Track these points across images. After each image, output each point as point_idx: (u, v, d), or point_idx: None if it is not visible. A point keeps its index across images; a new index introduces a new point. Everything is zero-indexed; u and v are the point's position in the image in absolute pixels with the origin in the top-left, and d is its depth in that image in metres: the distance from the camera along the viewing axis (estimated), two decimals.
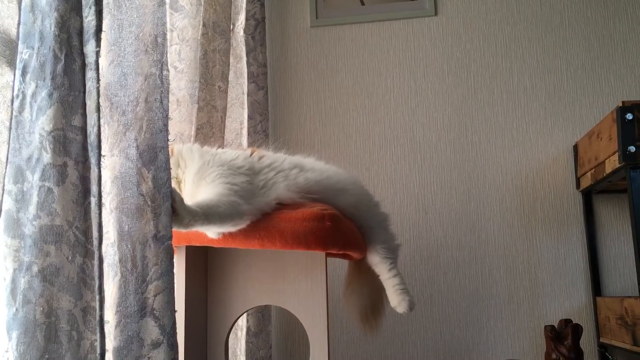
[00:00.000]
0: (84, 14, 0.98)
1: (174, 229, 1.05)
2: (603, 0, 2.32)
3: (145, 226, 0.99)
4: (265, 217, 1.25)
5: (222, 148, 1.54)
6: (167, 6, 1.65)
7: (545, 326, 1.96)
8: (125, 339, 0.94)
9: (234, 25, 2.14)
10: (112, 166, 0.99)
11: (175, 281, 1.06)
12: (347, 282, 1.64)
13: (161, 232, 1.00)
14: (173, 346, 0.97)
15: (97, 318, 0.91)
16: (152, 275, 0.98)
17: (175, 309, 1.00)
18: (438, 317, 2.22)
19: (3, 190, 0.92)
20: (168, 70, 1.05)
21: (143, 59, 1.02)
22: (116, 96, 1.00)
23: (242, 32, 2.17)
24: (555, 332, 1.93)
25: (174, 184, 1.14)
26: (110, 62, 1.01)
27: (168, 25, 1.59)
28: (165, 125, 1.04)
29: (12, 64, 1.07)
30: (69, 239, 0.92)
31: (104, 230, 0.97)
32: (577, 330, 1.90)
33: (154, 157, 1.01)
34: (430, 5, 2.41)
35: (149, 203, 1.00)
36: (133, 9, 1.03)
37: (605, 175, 1.86)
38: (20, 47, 0.96)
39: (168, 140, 1.04)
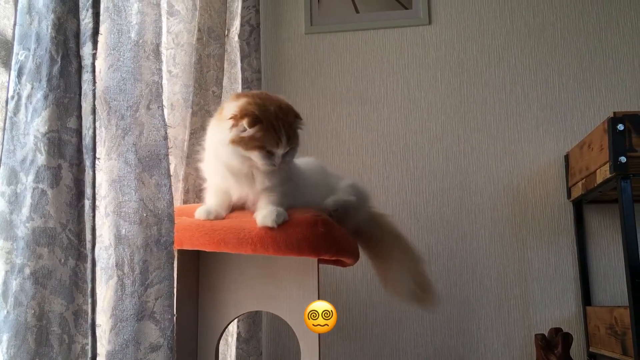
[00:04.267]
0: (81, 17, 0.98)
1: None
2: (595, 12, 2.35)
3: (145, 230, 0.98)
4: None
5: None
6: (164, 11, 1.65)
7: (536, 335, 1.97)
8: (120, 342, 0.94)
9: (228, 30, 2.14)
10: (110, 170, 0.99)
11: None
12: (382, 277, 1.63)
13: (164, 237, 1.00)
14: (172, 349, 0.96)
15: (89, 321, 0.91)
16: (153, 279, 0.97)
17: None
18: (429, 325, 2.22)
19: None
20: None
21: (144, 66, 1.02)
22: (115, 100, 1.00)
23: (236, 38, 2.17)
24: (545, 340, 1.94)
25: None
26: (109, 66, 1.01)
27: (164, 30, 1.59)
28: (167, 132, 1.04)
29: (7, 64, 1.07)
30: (62, 241, 0.92)
31: (98, 233, 0.96)
32: (567, 339, 1.91)
33: (157, 163, 1.01)
34: (424, 14, 2.42)
35: (151, 208, 1.00)
36: (132, 15, 1.03)
37: (596, 185, 1.87)
38: (16, 48, 0.96)
39: (168, 147, 1.05)
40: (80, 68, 0.97)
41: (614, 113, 1.73)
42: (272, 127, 1.27)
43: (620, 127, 1.71)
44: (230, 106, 1.28)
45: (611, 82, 2.29)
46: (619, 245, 2.17)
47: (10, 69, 0.97)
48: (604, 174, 1.79)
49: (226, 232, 1.26)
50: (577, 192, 2.11)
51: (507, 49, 2.37)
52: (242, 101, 1.28)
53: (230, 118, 1.25)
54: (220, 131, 1.28)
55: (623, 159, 1.69)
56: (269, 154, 1.27)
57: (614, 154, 1.70)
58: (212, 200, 1.37)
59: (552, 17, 2.37)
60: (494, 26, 2.39)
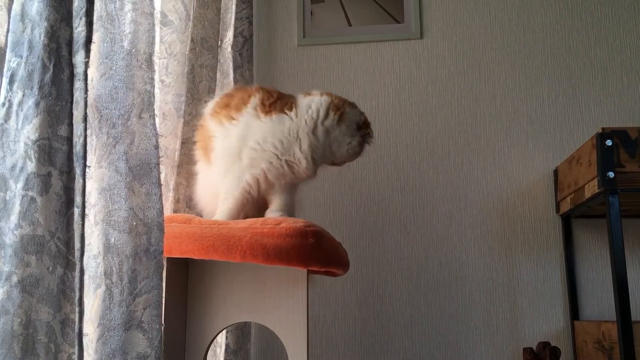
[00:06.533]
0: (74, 25, 0.98)
1: None
2: (584, 29, 2.38)
3: (135, 239, 0.98)
4: (249, 231, 1.25)
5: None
6: (157, 21, 1.65)
7: (524, 348, 1.97)
8: (107, 352, 0.93)
9: (221, 41, 2.15)
10: (100, 178, 0.99)
11: None
12: None
13: (153, 246, 1.00)
14: None
15: (76, 330, 0.90)
16: (142, 288, 0.97)
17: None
18: (417, 338, 2.22)
19: None
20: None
21: (136, 75, 1.02)
22: (106, 109, 1.00)
23: (229, 49, 2.17)
24: (533, 354, 1.94)
25: None
26: (101, 75, 1.01)
27: (157, 39, 1.60)
28: (158, 142, 1.04)
29: None
30: (50, 249, 0.91)
31: (86, 241, 0.96)
32: (555, 353, 1.91)
33: (148, 172, 1.01)
34: (416, 28, 2.45)
35: (140, 217, 0.99)
36: (125, 24, 1.04)
37: (584, 200, 1.89)
38: (9, 55, 0.96)
39: (159, 156, 1.05)
40: (72, 76, 0.97)
41: (603, 129, 1.75)
42: None
43: (609, 142, 1.72)
44: (306, 101, 1.52)
45: (600, 98, 2.32)
46: (607, 259, 2.18)
47: (1, 75, 0.97)
48: (592, 189, 1.80)
49: (216, 239, 1.26)
50: (565, 206, 2.13)
51: (497, 64, 2.40)
52: (329, 97, 1.57)
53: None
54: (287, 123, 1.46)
55: (611, 175, 1.71)
56: None
57: (602, 169, 1.72)
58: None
59: (542, 33, 2.40)
60: (485, 41, 2.42)
